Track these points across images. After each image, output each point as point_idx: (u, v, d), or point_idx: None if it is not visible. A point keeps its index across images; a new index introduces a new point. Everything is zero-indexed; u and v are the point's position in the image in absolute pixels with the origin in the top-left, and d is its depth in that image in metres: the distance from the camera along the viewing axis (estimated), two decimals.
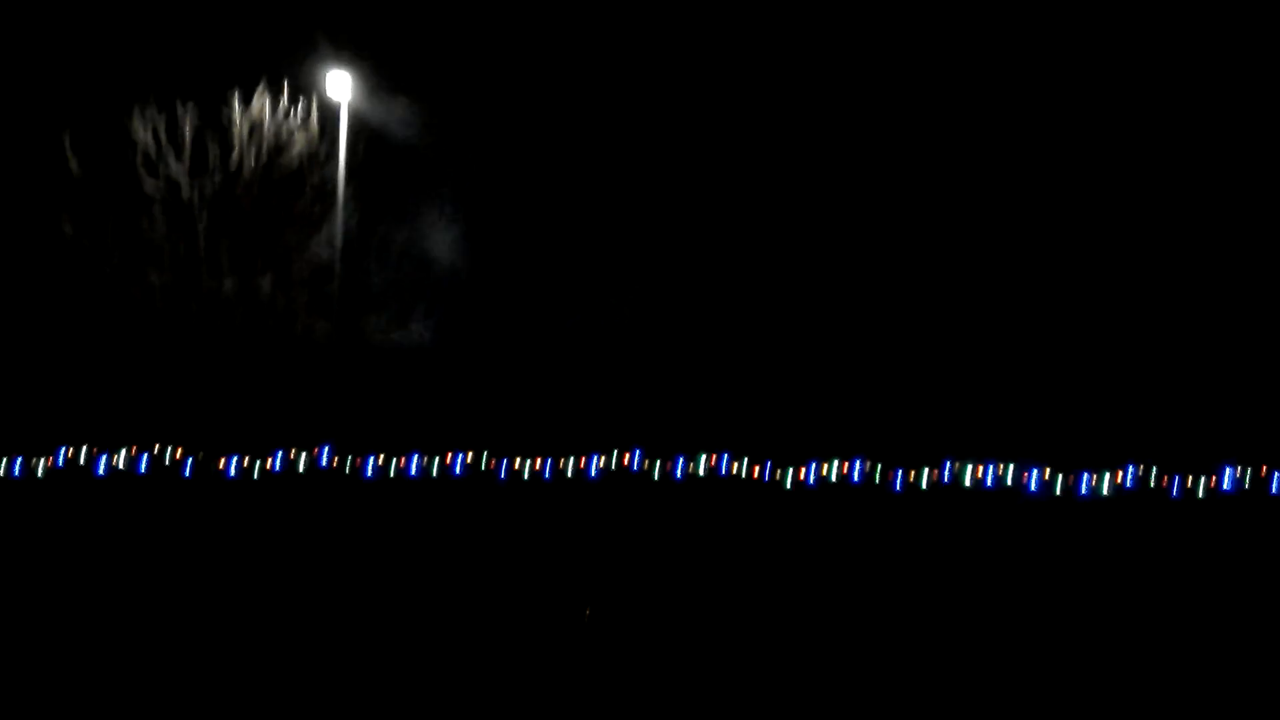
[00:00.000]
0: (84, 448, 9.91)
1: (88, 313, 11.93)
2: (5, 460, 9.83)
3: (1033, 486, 10.96)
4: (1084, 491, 10.92)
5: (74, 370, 11.21)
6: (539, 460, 9.47)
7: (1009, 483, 10.85)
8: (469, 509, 10.56)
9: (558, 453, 9.47)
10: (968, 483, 10.91)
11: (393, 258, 14.07)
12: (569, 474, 10.41)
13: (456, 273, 13.55)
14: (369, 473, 10.45)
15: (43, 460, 9.85)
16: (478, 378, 11.53)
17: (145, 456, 10.16)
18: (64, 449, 9.76)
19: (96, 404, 10.64)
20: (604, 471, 10.37)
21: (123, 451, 9.94)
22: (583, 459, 9.57)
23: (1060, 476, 10.26)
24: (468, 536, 10.15)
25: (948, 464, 9.97)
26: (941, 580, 9.79)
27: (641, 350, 11.32)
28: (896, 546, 10.69)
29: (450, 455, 9.84)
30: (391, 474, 10.42)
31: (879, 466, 10.04)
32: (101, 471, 10.29)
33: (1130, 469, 10.19)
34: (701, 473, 10.52)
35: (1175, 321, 13.03)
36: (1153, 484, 10.47)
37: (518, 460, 9.69)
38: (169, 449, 10.18)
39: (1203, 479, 10.50)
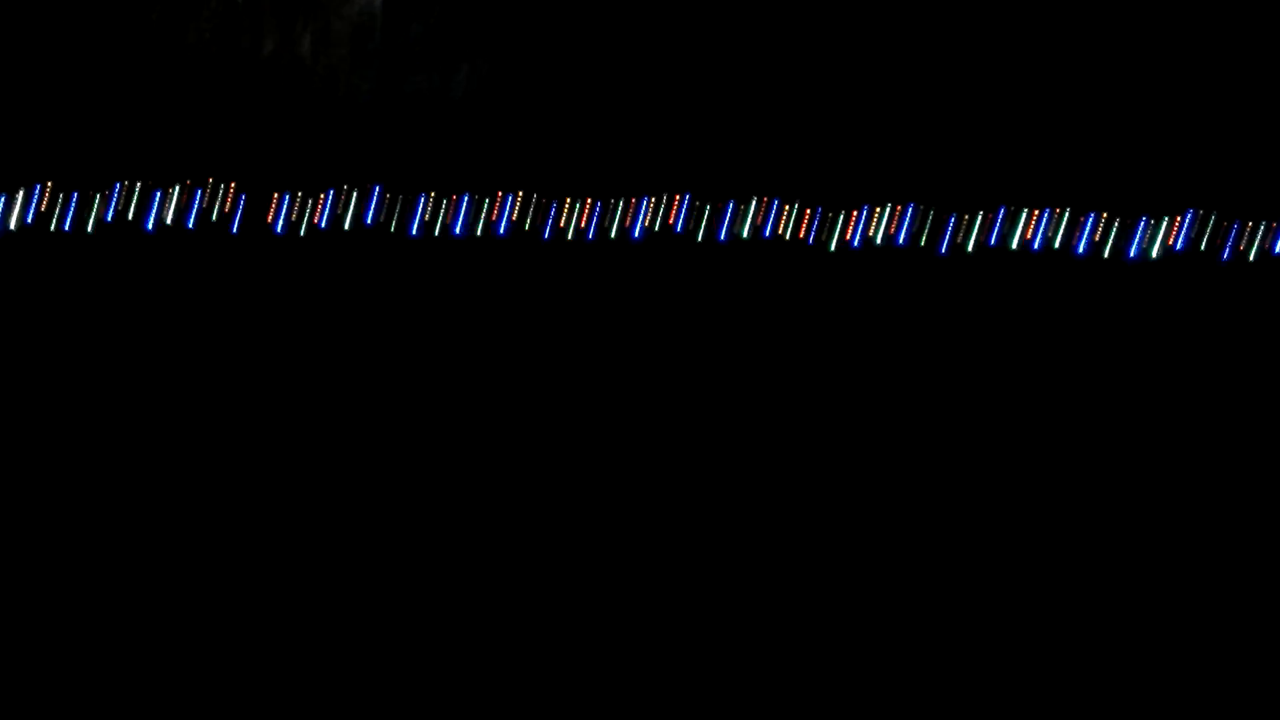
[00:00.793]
0: (134, 198, 9.95)
1: (131, 66, 11.86)
2: (57, 210, 9.90)
3: (1081, 249, 10.89)
4: (1133, 254, 10.85)
5: (121, 122, 11.21)
6: (586, 209, 9.43)
7: (1057, 244, 10.79)
8: (513, 270, 10.62)
9: (605, 195, 9.43)
10: (1015, 245, 10.85)
11: (435, 10, 13.80)
12: (612, 234, 10.40)
13: (501, 25, 13.31)
14: (414, 230, 10.47)
15: (94, 208, 9.92)
16: (523, 127, 11.46)
17: (194, 210, 10.20)
18: (116, 194, 9.81)
19: (142, 156, 10.67)
20: (647, 231, 10.36)
21: (172, 202, 9.98)
22: (631, 202, 9.52)
23: (1116, 222, 10.16)
24: (507, 310, 10.23)
25: (1001, 211, 9.85)
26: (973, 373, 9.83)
27: (689, 93, 11.19)
28: (938, 320, 10.69)
29: (498, 205, 9.83)
30: (436, 231, 10.44)
31: (930, 215, 9.96)
32: (150, 227, 10.35)
33: (1189, 215, 10.04)
34: (746, 234, 10.48)
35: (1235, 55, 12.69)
36: (1208, 236, 10.37)
37: (564, 212, 9.65)
38: (216, 202, 10.21)
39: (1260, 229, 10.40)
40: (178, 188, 9.32)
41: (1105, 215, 9.71)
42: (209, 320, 9.88)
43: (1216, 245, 9.85)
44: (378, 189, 9.61)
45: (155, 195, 9.32)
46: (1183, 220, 9.74)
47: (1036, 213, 9.63)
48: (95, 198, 9.39)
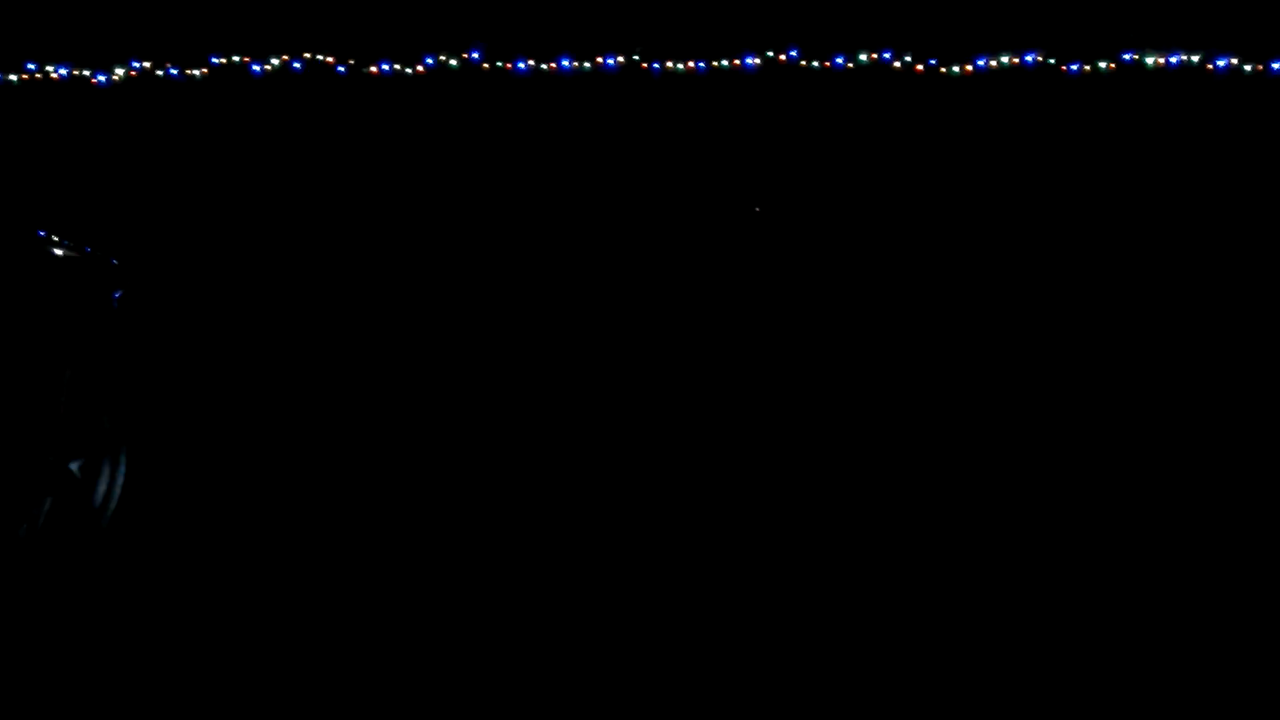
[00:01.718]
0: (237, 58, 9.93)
1: None
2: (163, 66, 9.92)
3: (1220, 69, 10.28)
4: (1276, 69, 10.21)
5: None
6: (690, 63, 9.15)
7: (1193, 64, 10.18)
8: (622, 111, 10.43)
9: (711, 54, 9.11)
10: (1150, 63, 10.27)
11: None
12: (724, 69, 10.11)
13: None
14: (523, 68, 10.29)
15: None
16: None
17: (298, 64, 10.15)
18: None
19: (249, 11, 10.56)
20: (760, 66, 10.05)
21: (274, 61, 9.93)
22: (736, 60, 9.22)
23: (1249, 66, 9.55)
24: (628, 147, 10.10)
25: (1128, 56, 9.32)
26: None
27: None
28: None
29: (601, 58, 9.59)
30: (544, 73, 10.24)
31: (1052, 59, 9.45)
32: (258, 71, 10.35)
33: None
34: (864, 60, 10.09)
35: None
36: None
37: (670, 61, 9.40)
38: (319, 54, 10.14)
39: None
40: (275, 60, 9.17)
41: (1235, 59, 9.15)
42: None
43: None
44: (476, 53, 9.27)
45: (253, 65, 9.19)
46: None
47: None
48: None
